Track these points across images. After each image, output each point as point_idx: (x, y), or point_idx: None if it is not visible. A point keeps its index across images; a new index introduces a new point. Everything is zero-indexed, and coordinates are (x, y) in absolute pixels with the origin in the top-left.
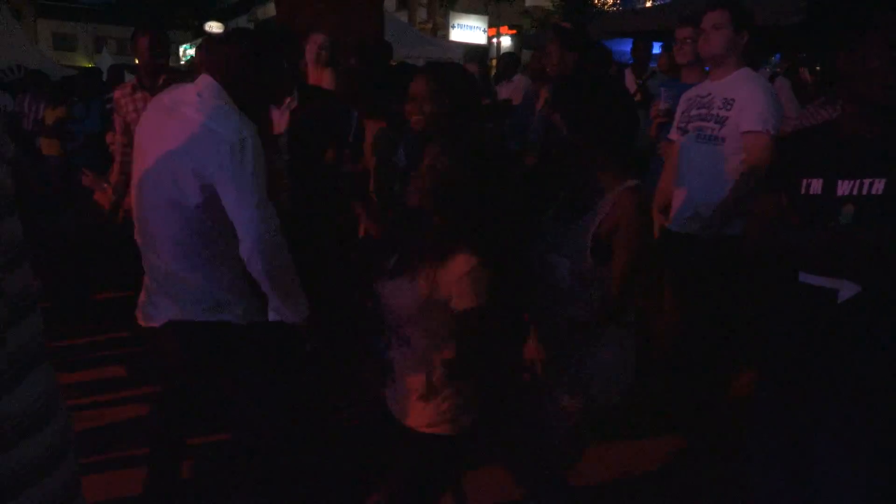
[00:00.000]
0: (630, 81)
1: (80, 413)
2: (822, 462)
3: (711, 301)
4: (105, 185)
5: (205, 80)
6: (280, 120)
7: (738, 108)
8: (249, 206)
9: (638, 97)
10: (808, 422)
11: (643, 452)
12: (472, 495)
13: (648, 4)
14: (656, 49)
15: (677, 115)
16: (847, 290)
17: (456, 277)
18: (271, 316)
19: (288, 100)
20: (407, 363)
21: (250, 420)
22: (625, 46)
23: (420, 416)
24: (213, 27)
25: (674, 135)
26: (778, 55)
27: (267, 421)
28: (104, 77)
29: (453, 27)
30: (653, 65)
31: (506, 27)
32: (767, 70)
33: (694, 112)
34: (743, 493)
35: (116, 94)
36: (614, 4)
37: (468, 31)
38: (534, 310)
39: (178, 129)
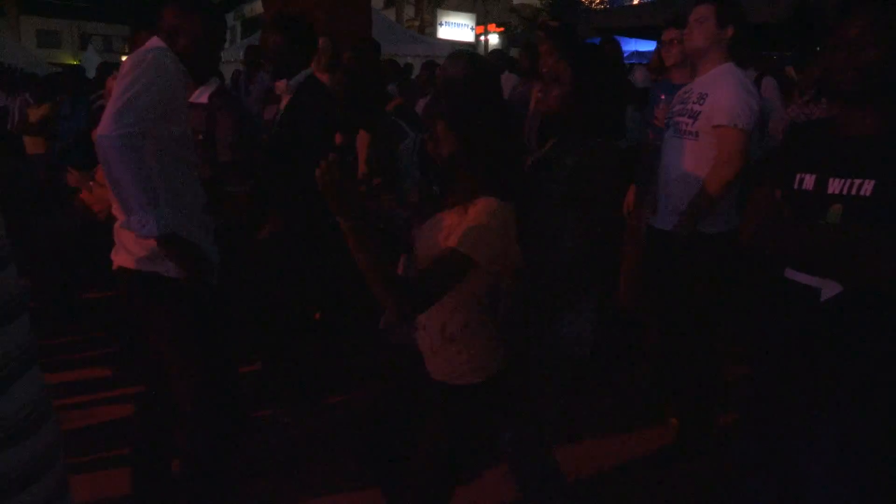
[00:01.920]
0: None
1: (68, 413)
2: (809, 457)
3: (690, 297)
4: (91, 183)
5: (152, 38)
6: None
7: (709, 102)
8: (115, 107)
9: None
10: (794, 417)
11: (630, 448)
12: (473, 498)
13: (636, 2)
14: (645, 46)
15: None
16: (829, 289)
17: (470, 219)
18: (123, 223)
19: (283, 83)
20: (428, 315)
21: (174, 380)
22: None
23: (442, 368)
24: None
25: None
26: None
27: (191, 385)
28: (90, 74)
29: (441, 25)
30: (637, 61)
31: (493, 25)
32: (752, 71)
33: (676, 108)
34: (731, 487)
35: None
36: (602, 2)
37: (456, 28)
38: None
39: None
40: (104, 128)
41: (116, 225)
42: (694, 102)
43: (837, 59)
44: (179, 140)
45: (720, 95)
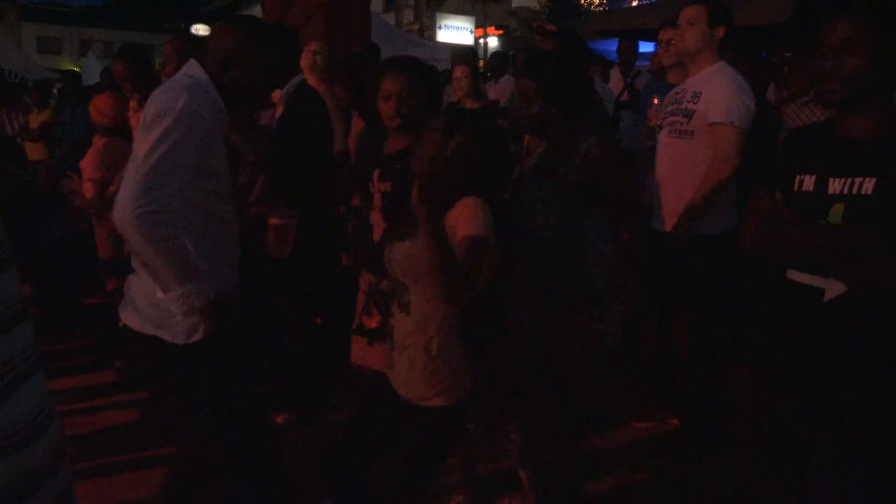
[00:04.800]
0: (616, 81)
1: (71, 419)
2: (814, 456)
3: (690, 299)
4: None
5: (189, 62)
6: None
7: (704, 100)
8: (138, 172)
9: (625, 97)
10: (799, 417)
11: (632, 448)
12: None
13: (635, 3)
14: (644, 48)
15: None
16: (833, 288)
17: (457, 213)
18: (164, 298)
19: (279, 92)
20: (406, 331)
21: (197, 443)
22: (612, 46)
23: (417, 388)
24: (200, 30)
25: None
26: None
27: (214, 448)
28: (92, 80)
29: (440, 28)
30: (640, 63)
31: (493, 28)
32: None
33: (669, 108)
34: (735, 487)
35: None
36: (600, 4)
37: (455, 31)
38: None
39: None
40: (125, 204)
41: (129, 279)
42: (688, 101)
43: (825, 66)
44: (215, 193)
45: (715, 93)
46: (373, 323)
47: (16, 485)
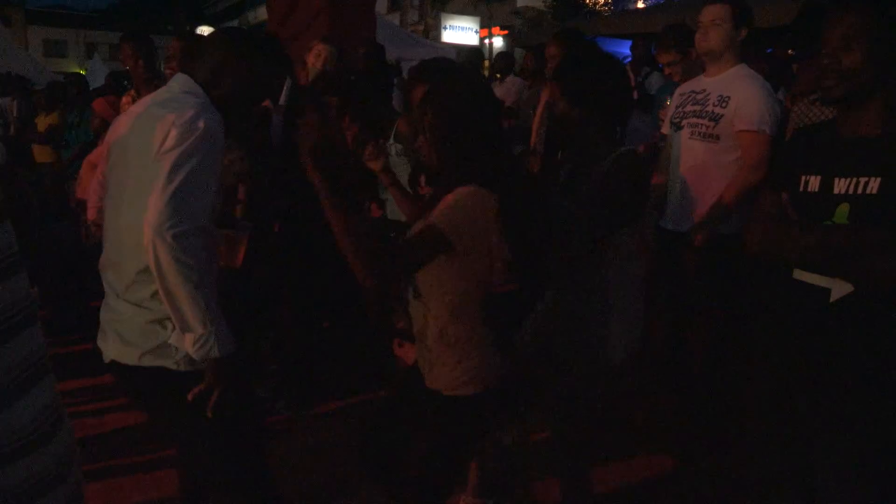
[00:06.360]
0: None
1: (81, 421)
2: (822, 457)
3: (707, 300)
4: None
5: (178, 77)
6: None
7: (733, 106)
8: (165, 192)
9: (634, 95)
10: (806, 418)
11: (638, 448)
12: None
13: (641, 5)
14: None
15: (670, 111)
16: (839, 289)
17: (446, 202)
18: (171, 339)
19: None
20: (419, 317)
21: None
22: (616, 47)
23: (439, 378)
24: (205, 32)
25: (665, 130)
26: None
27: (215, 469)
28: (98, 83)
29: (445, 28)
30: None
31: (497, 28)
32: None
33: (688, 108)
34: (743, 486)
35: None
36: (605, 4)
37: (460, 32)
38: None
39: (134, 125)
40: (157, 225)
41: (106, 305)
42: (715, 105)
43: (823, 64)
44: (214, 209)
45: (746, 100)
46: (401, 323)
47: (27, 487)
